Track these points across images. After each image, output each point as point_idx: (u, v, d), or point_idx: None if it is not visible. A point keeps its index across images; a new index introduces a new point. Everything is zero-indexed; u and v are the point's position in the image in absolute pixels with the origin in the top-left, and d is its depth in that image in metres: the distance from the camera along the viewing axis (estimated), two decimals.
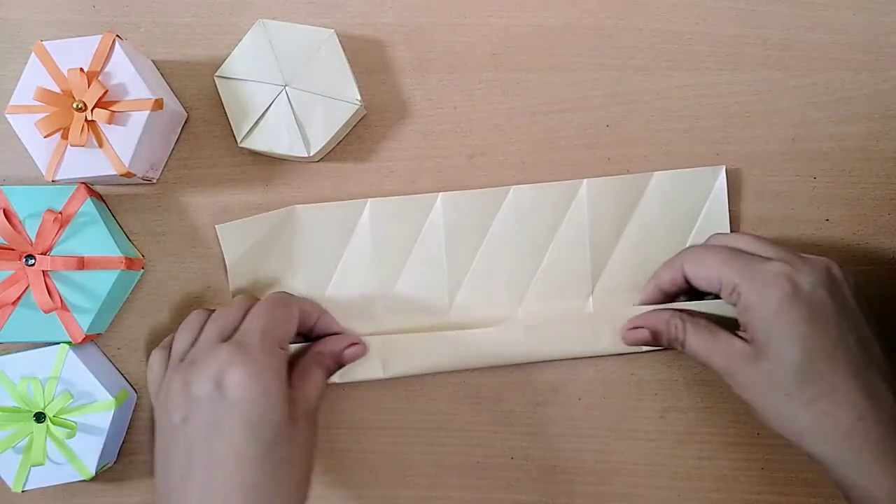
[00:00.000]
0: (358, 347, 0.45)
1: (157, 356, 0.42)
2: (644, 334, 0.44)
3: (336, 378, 0.45)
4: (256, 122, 0.45)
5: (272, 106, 0.45)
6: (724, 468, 0.47)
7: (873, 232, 0.48)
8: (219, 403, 0.37)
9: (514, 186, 0.46)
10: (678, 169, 0.47)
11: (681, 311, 0.43)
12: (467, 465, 0.47)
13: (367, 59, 0.47)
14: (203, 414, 0.38)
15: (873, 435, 0.37)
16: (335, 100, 0.45)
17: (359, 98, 0.45)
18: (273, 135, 0.45)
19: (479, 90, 0.48)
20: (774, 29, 0.48)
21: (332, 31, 0.45)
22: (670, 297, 0.45)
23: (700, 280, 0.42)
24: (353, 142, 0.47)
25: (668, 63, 0.48)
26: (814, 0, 0.48)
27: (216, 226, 0.46)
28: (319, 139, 0.45)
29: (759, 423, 0.47)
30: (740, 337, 0.40)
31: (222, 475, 0.37)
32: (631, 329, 0.44)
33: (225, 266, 0.46)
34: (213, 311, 0.43)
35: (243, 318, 0.41)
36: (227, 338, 0.40)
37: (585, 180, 0.47)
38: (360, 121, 0.47)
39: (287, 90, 0.45)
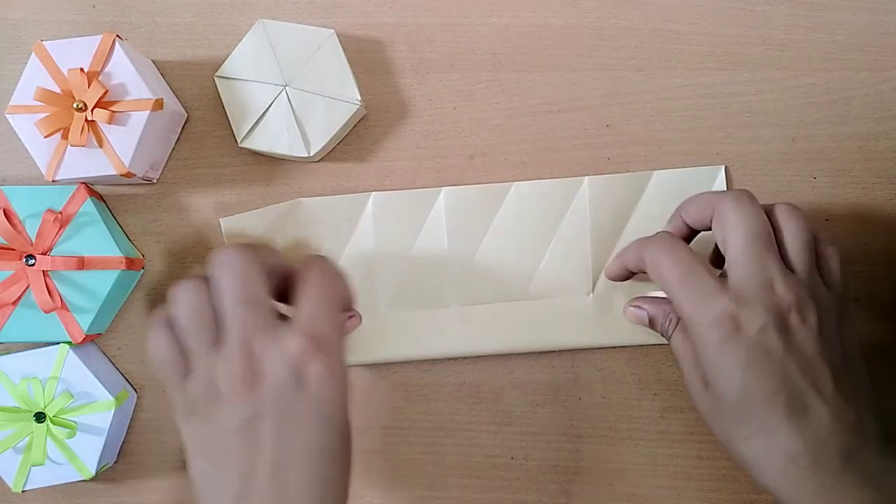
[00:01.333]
0: (354, 319, 0.42)
1: (162, 339, 0.37)
2: (643, 315, 0.44)
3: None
4: (256, 122, 0.45)
5: (272, 106, 0.45)
6: (724, 468, 0.47)
7: (873, 232, 0.48)
8: (294, 397, 0.35)
9: (516, 183, 0.47)
10: (678, 168, 0.47)
11: None
12: (467, 465, 0.47)
13: (367, 59, 0.47)
14: (271, 408, 0.35)
15: (810, 474, 0.36)
16: (335, 100, 0.45)
17: (359, 98, 0.45)
18: (273, 135, 0.45)
19: (479, 90, 0.48)
20: (774, 29, 0.48)
21: (332, 31, 0.45)
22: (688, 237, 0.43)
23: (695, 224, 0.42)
24: (353, 142, 0.47)
25: (668, 63, 0.48)
26: (814, 0, 0.48)
27: (220, 219, 0.46)
28: (319, 139, 0.45)
29: None
30: None
31: (297, 471, 0.35)
32: (634, 306, 0.45)
33: None
34: (206, 276, 0.37)
35: (270, 281, 0.37)
36: (266, 312, 0.36)
37: (587, 178, 0.47)
38: (360, 121, 0.47)
39: (287, 90, 0.45)
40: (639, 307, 0.45)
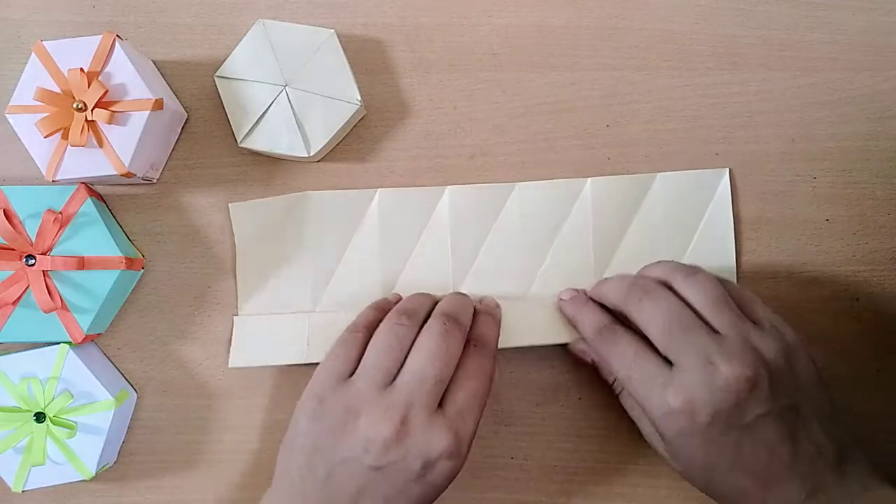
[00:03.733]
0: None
1: (349, 350, 0.41)
2: (586, 357, 0.44)
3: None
4: (256, 122, 0.45)
5: (272, 106, 0.45)
6: None
7: (873, 232, 0.48)
8: (410, 486, 0.38)
9: (520, 183, 0.47)
10: (681, 170, 0.47)
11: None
12: (467, 465, 0.47)
13: (367, 59, 0.47)
14: (391, 481, 0.38)
15: None
16: (335, 100, 0.45)
17: (359, 98, 0.45)
18: (273, 135, 0.45)
19: (479, 90, 0.48)
20: (774, 29, 0.48)
21: (332, 31, 0.45)
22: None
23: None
24: (353, 142, 0.47)
25: (668, 63, 0.48)
26: (814, 0, 0.48)
27: (229, 204, 0.46)
28: (319, 139, 0.45)
29: None
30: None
31: None
32: (579, 348, 0.44)
33: (233, 248, 0.47)
34: (404, 318, 0.42)
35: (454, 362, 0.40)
36: (442, 391, 0.39)
37: (589, 179, 0.47)
38: (360, 121, 0.47)
39: (287, 90, 0.45)
40: (583, 350, 0.44)
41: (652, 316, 0.40)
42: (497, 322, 0.44)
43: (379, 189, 0.47)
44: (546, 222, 0.47)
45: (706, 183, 0.47)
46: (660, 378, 0.39)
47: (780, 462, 0.38)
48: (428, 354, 0.40)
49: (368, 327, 0.42)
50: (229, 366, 0.46)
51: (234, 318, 0.46)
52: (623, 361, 0.41)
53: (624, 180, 0.47)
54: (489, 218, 0.47)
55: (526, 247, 0.47)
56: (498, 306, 0.45)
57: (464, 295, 0.45)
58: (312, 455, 0.39)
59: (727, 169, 0.47)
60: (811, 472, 0.38)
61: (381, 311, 0.43)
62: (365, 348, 0.41)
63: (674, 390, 0.38)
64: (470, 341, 0.42)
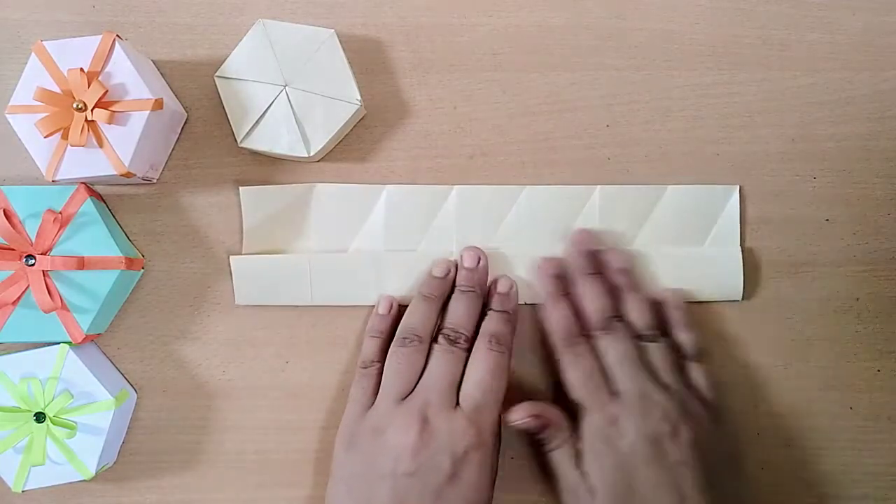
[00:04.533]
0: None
1: (370, 375, 0.44)
2: (534, 424, 0.44)
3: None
4: (256, 122, 0.45)
5: (272, 106, 0.45)
6: None
7: (873, 232, 0.48)
8: (447, 487, 0.40)
9: (528, 186, 0.47)
10: (692, 185, 0.47)
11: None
12: None
13: (367, 59, 0.47)
14: (428, 484, 0.40)
15: None
16: (335, 100, 0.45)
17: (359, 98, 0.45)
18: (273, 135, 0.45)
19: (479, 90, 0.48)
20: (774, 29, 0.48)
21: (332, 31, 0.45)
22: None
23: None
24: (353, 142, 0.47)
25: (668, 63, 0.48)
26: (814, 0, 0.48)
27: (240, 188, 0.46)
28: (319, 139, 0.45)
29: (760, 424, 0.47)
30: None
31: None
32: (530, 416, 0.44)
33: (234, 249, 0.47)
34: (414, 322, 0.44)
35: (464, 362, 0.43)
36: (455, 391, 0.42)
37: (598, 186, 0.47)
38: (360, 121, 0.47)
39: (287, 90, 0.45)
40: (535, 416, 0.43)
41: (566, 375, 0.44)
42: (510, 317, 0.45)
43: (386, 186, 0.47)
44: (553, 227, 0.47)
45: (716, 198, 0.47)
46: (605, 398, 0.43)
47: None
48: (438, 368, 0.43)
49: (376, 357, 0.44)
50: (236, 303, 0.46)
51: (231, 257, 0.46)
52: (579, 377, 0.43)
53: (633, 190, 0.47)
54: (496, 219, 0.47)
55: (531, 250, 0.47)
56: (513, 287, 0.46)
57: (472, 278, 0.46)
58: (351, 482, 0.41)
59: (737, 186, 0.47)
60: None
61: (380, 335, 0.45)
62: (380, 377, 0.44)
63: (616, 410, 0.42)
64: (485, 337, 0.43)
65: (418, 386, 0.43)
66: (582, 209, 0.47)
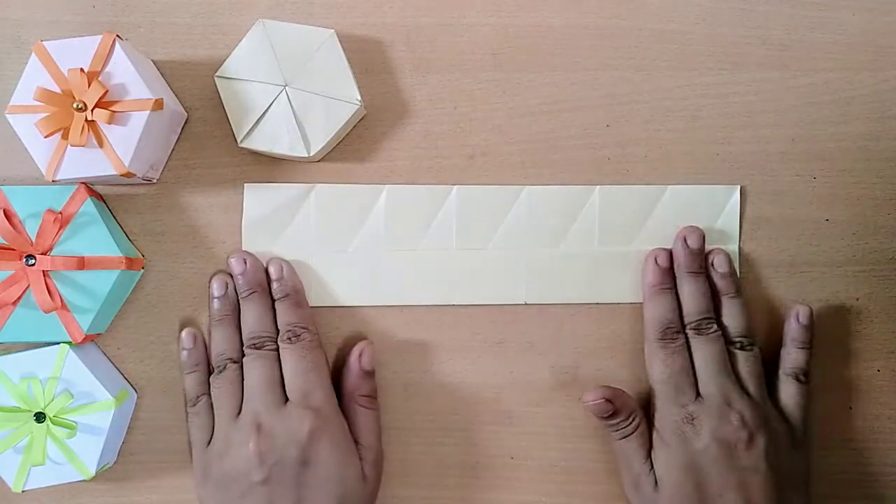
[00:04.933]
0: (366, 348, 0.45)
1: (201, 411, 0.45)
2: (606, 408, 0.44)
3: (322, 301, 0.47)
4: (256, 122, 0.45)
5: (272, 106, 0.45)
6: None
7: (873, 232, 0.48)
8: (304, 475, 0.41)
9: (528, 187, 0.47)
10: (692, 185, 0.47)
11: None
12: (467, 465, 0.47)
13: (367, 59, 0.47)
14: (285, 481, 0.41)
15: None
16: (335, 100, 0.45)
17: (359, 98, 0.45)
18: (273, 135, 0.45)
19: (479, 90, 0.48)
20: (774, 29, 0.48)
21: (332, 31, 0.45)
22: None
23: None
24: (353, 142, 0.47)
25: (668, 63, 0.48)
26: (814, 0, 0.48)
27: (245, 184, 0.47)
28: (319, 139, 0.45)
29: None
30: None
31: None
32: (596, 398, 0.44)
33: (233, 248, 0.47)
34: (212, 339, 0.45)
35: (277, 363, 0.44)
36: (279, 390, 0.43)
37: (598, 187, 0.47)
38: (360, 121, 0.47)
39: (287, 90, 0.45)
40: (609, 401, 0.43)
41: (651, 375, 0.45)
42: (294, 298, 0.45)
43: (387, 186, 0.47)
44: (552, 227, 0.47)
45: (717, 199, 0.47)
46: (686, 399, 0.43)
47: None
48: (254, 377, 0.43)
49: (201, 391, 0.45)
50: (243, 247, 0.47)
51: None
52: (666, 370, 0.44)
53: (633, 190, 0.47)
54: (496, 219, 0.47)
55: (531, 250, 0.47)
56: (283, 268, 0.46)
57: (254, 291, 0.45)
58: None
59: (738, 187, 0.47)
60: None
61: (196, 369, 0.45)
62: (211, 410, 0.44)
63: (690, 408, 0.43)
64: (283, 331, 0.44)
65: (244, 400, 0.43)
66: (582, 209, 0.47)
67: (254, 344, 0.44)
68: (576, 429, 0.47)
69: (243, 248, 0.47)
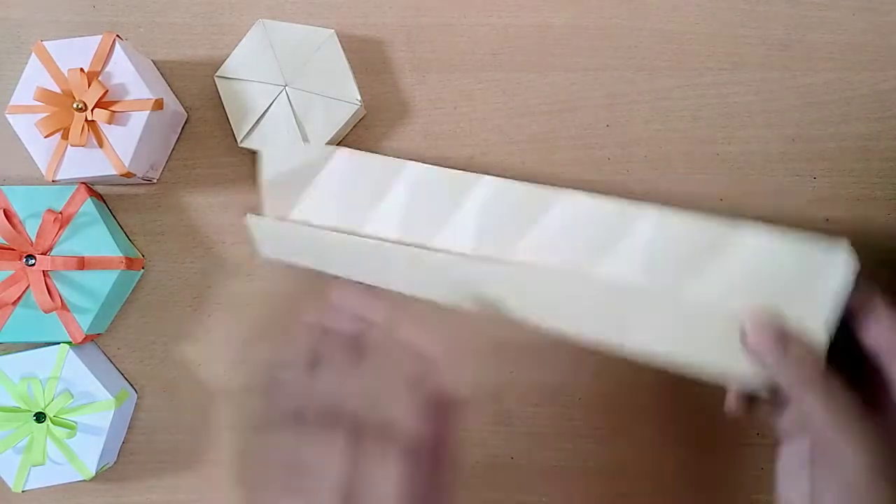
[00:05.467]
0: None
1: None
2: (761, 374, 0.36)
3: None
4: (256, 122, 0.45)
5: (272, 106, 0.45)
6: (722, 469, 0.47)
7: (873, 232, 0.48)
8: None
9: (570, 192, 0.39)
10: (782, 230, 0.36)
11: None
12: (467, 465, 0.47)
13: (367, 59, 0.47)
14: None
15: None
16: (335, 100, 0.45)
17: (359, 98, 0.45)
18: (273, 135, 0.45)
19: (479, 90, 0.48)
20: (774, 29, 0.48)
21: (332, 31, 0.45)
22: None
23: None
24: (353, 142, 0.47)
25: (668, 63, 0.48)
26: (814, 0, 0.48)
27: (259, 150, 0.44)
28: (319, 139, 0.45)
29: (759, 424, 0.47)
30: None
31: None
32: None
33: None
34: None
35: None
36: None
37: (656, 211, 0.37)
38: (360, 121, 0.47)
39: (287, 90, 0.45)
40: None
41: None
42: None
43: (410, 162, 0.42)
44: (588, 246, 0.39)
45: (812, 263, 0.35)
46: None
47: None
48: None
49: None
50: (263, 257, 0.45)
51: (248, 215, 0.44)
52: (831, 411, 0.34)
53: (699, 223, 0.36)
54: (524, 225, 0.40)
55: (556, 271, 0.39)
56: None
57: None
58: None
59: (845, 249, 0.35)
60: None
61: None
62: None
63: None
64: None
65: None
66: (625, 234, 0.38)
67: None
68: (576, 429, 0.47)
69: (265, 211, 0.43)
